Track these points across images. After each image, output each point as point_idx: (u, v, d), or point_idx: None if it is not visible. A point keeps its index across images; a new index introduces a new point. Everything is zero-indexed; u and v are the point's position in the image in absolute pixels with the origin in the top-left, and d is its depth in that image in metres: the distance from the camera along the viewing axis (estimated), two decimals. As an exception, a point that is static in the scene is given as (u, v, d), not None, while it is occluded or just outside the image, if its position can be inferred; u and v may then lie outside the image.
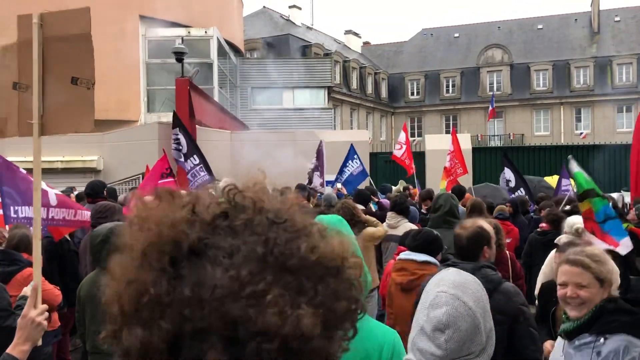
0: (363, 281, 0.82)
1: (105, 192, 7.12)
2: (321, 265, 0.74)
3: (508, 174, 11.03)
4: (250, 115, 26.40)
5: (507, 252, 5.27)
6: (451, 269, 1.97)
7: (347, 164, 11.95)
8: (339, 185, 11.45)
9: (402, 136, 12.41)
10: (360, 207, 7.77)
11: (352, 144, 11.97)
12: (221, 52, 22.49)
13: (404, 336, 1.94)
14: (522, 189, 10.48)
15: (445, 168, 11.21)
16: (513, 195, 10.41)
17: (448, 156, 11.25)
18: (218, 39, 21.24)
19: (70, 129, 2.85)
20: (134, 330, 0.71)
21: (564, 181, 10.47)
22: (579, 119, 38.34)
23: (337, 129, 32.90)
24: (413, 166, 12.21)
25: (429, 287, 1.84)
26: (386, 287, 5.30)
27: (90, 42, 2.76)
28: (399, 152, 12.39)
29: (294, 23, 38.93)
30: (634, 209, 7.40)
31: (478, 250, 3.13)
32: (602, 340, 2.22)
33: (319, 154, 11.20)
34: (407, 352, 1.85)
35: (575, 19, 42.44)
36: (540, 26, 43.01)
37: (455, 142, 11.24)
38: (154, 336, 0.70)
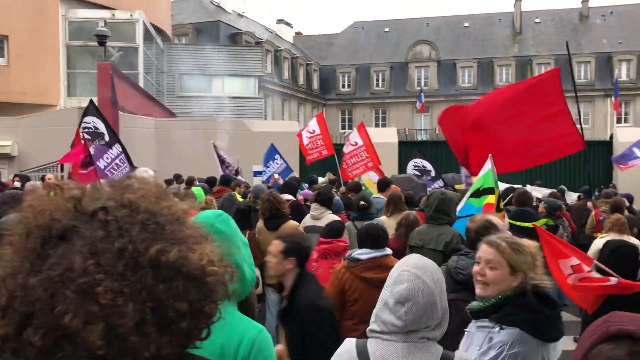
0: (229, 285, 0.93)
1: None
2: (171, 268, 0.82)
3: (427, 165, 11.36)
4: (178, 102, 25.77)
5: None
6: (415, 255, 2.16)
7: (268, 165, 11.76)
8: (276, 175, 11.35)
9: (356, 136, 11.96)
10: (288, 197, 7.78)
11: (272, 144, 11.80)
12: (147, 37, 21.77)
13: None
14: (440, 180, 10.82)
15: (343, 163, 11.32)
16: (434, 185, 10.74)
17: (350, 147, 11.26)
18: (144, 22, 20.52)
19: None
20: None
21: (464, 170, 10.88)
22: (500, 115, 40.06)
23: (268, 119, 32.71)
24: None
25: (393, 270, 2.05)
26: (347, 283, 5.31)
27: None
28: (306, 139, 12.18)
29: (224, 9, 38.22)
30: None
31: None
32: (497, 329, 2.34)
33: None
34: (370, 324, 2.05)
35: (499, 19, 44.15)
36: (466, 24, 44.44)
37: (365, 136, 11.30)
38: (8, 320, 0.76)
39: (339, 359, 2.09)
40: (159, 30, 24.37)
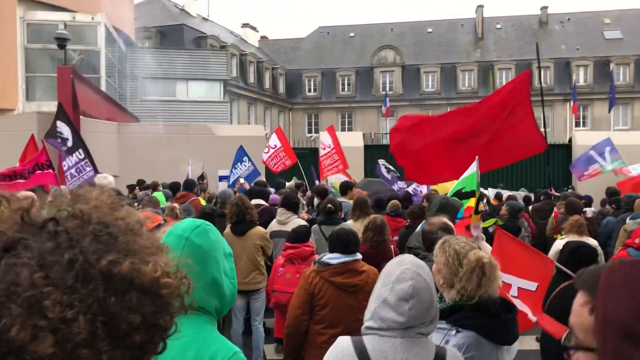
0: (184, 297, 0.91)
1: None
2: (123, 280, 0.80)
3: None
4: (141, 106, 25.37)
5: (392, 247, 5.46)
6: (409, 255, 2.19)
7: (236, 166, 11.75)
8: (242, 180, 11.26)
9: (328, 139, 11.80)
10: (260, 202, 7.74)
11: (241, 146, 11.78)
12: (110, 40, 21.39)
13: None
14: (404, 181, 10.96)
15: (321, 164, 11.51)
16: (402, 184, 10.89)
17: (324, 150, 11.48)
18: (106, 25, 20.16)
19: None
20: None
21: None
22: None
23: (234, 124, 32.50)
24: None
25: (391, 267, 2.06)
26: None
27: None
28: (265, 155, 12.36)
29: (188, 13, 37.89)
30: (505, 205, 7.95)
31: None
32: (454, 331, 2.39)
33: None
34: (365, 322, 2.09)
35: (462, 25, 44.95)
36: (430, 30, 45.10)
37: (334, 138, 11.53)
38: None
39: (335, 356, 2.10)
40: (121, 34, 23.98)
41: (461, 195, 5.26)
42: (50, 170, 7.60)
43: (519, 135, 6.78)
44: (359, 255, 4.10)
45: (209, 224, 1.90)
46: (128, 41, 25.84)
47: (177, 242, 1.77)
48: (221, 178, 14.67)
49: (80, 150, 8.15)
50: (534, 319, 3.81)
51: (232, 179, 11.53)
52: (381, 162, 11.98)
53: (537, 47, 7.95)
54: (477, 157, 5.35)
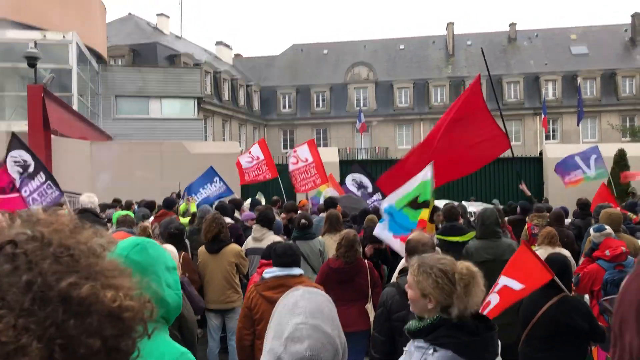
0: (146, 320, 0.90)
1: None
2: (83, 303, 0.79)
3: (365, 181, 11.44)
4: (114, 125, 25.10)
5: (366, 261, 5.47)
6: (301, 289, 1.82)
7: (205, 187, 11.49)
8: (195, 197, 10.95)
9: (306, 153, 11.76)
10: (228, 220, 7.70)
11: (211, 166, 11.59)
12: (81, 58, 21.21)
13: None
14: (379, 193, 10.85)
15: (292, 178, 11.51)
16: (374, 198, 10.86)
17: (301, 164, 11.46)
18: (77, 44, 19.99)
19: None
20: None
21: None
22: (437, 134, 41.19)
23: (209, 141, 32.34)
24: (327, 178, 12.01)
25: (282, 312, 1.72)
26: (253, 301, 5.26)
27: None
28: (247, 163, 12.22)
29: (161, 31, 37.79)
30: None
31: None
32: (431, 350, 2.33)
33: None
34: None
35: (433, 41, 45.68)
36: (402, 46, 45.72)
37: (315, 153, 11.53)
38: None
39: None
40: (93, 52, 23.79)
41: (416, 205, 5.31)
42: (16, 194, 7.35)
43: (482, 139, 6.84)
44: (296, 271, 4.04)
45: (150, 241, 2.06)
46: (100, 59, 25.64)
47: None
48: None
49: (41, 173, 7.96)
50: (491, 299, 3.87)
51: (199, 199, 11.25)
52: (351, 177, 11.79)
53: (484, 55, 8.08)
54: (431, 161, 5.39)
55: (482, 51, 8.47)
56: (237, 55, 48.22)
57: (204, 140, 29.81)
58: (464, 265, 2.42)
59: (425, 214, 5.22)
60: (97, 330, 0.79)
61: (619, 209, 8.31)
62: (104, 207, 10.80)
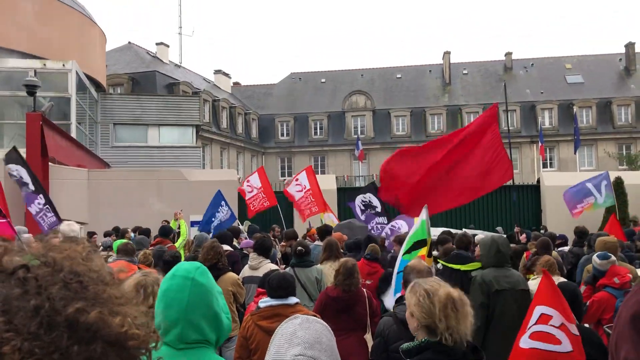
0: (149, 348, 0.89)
1: None
2: (89, 329, 0.79)
3: (374, 201, 11.13)
4: (112, 152, 25.15)
5: (365, 290, 5.41)
6: (299, 318, 1.84)
7: (219, 211, 11.54)
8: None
9: (305, 180, 11.79)
10: (226, 247, 7.65)
11: (219, 190, 11.66)
12: (80, 87, 21.35)
13: None
14: (384, 217, 10.65)
15: (295, 203, 11.55)
16: (380, 220, 10.54)
17: (300, 193, 11.54)
18: (77, 72, 20.15)
19: None
20: None
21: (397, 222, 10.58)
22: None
23: (207, 168, 32.38)
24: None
25: (279, 342, 1.74)
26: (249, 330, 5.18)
27: None
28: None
29: (161, 60, 38.16)
30: (478, 246, 7.97)
31: None
32: None
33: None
34: None
35: (430, 70, 46.19)
36: (399, 75, 46.21)
37: (312, 180, 11.59)
38: None
39: None
40: (92, 80, 23.96)
41: (415, 247, 5.32)
42: (3, 219, 7.29)
43: (490, 166, 6.83)
44: (292, 300, 4.00)
45: (203, 265, 2.17)
46: (99, 88, 25.82)
47: (184, 283, 2.00)
48: (193, 224, 14.49)
49: (41, 195, 7.97)
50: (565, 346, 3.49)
51: (215, 223, 11.25)
52: (361, 197, 11.61)
53: (505, 88, 8.17)
54: (425, 205, 5.41)
55: (505, 87, 8.51)
56: (236, 84, 48.65)
57: (202, 168, 29.84)
58: (447, 289, 2.46)
59: (423, 251, 5.22)
60: (100, 357, 0.79)
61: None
62: (107, 234, 10.73)
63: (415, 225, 5.55)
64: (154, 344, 0.91)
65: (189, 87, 34.97)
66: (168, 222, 11.61)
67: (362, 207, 11.31)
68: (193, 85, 36.09)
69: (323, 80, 46.86)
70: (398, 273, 5.22)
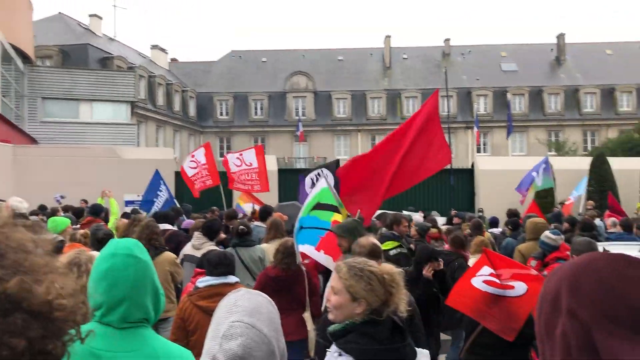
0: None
1: None
2: (9, 300, 0.72)
3: (330, 179, 11.03)
4: (41, 128, 23.94)
5: (304, 269, 5.37)
6: (242, 290, 1.84)
7: (159, 193, 11.16)
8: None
9: (252, 157, 11.45)
10: (167, 226, 7.44)
11: (157, 170, 11.28)
12: (5, 57, 20.10)
13: None
14: None
15: (234, 177, 11.24)
16: None
17: (244, 167, 11.24)
18: (1, 42, 18.94)
19: None
20: None
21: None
22: (373, 145, 41.64)
23: (142, 146, 31.42)
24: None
25: (220, 313, 1.74)
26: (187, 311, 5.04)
27: None
28: (191, 170, 11.90)
29: (93, 33, 36.48)
30: (414, 226, 8.13)
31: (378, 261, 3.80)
32: (337, 354, 2.29)
33: None
34: None
35: (371, 54, 46.48)
36: (340, 57, 46.26)
37: (261, 161, 11.33)
38: None
39: None
40: (18, 51, 22.61)
41: (320, 206, 5.40)
42: None
43: (432, 152, 6.96)
44: (232, 279, 3.94)
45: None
46: (26, 60, 24.42)
47: (127, 261, 1.97)
48: (127, 203, 14.02)
49: None
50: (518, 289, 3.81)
51: (159, 206, 10.86)
52: (313, 174, 11.45)
53: (446, 74, 8.28)
54: (333, 172, 5.62)
55: (446, 73, 8.59)
56: (173, 60, 47.29)
57: (137, 146, 28.93)
58: (387, 267, 2.43)
59: (337, 217, 5.32)
60: (22, 329, 0.72)
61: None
62: (32, 214, 10.20)
63: (315, 189, 5.66)
64: (82, 316, 0.83)
65: (123, 62, 33.66)
66: (86, 202, 11.18)
67: (315, 183, 11.20)
68: (128, 60, 34.77)
69: (264, 59, 46.28)
70: (306, 228, 5.28)
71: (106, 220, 9.17)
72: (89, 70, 27.93)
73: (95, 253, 3.70)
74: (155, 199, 11.07)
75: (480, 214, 13.97)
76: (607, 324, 0.96)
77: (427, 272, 5.05)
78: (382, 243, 6.25)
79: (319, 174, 10.56)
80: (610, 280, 0.99)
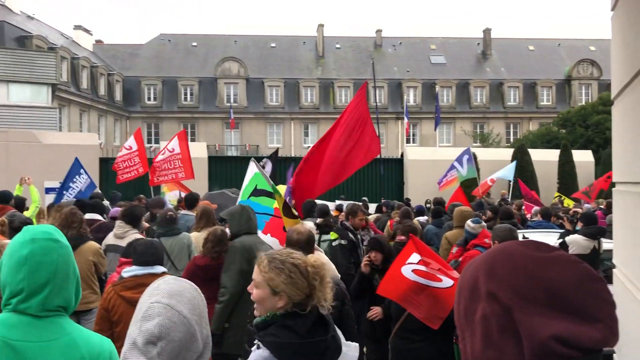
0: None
1: None
2: None
3: (269, 168, 10.91)
4: (-50, 109, 22.35)
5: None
6: (168, 277, 1.83)
7: (75, 180, 10.67)
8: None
9: (175, 144, 11.15)
10: (96, 216, 7.13)
11: (76, 158, 10.78)
12: None
13: None
14: None
15: (152, 167, 10.97)
16: None
17: (167, 154, 10.94)
18: None
19: None
20: None
21: None
22: (306, 134, 41.86)
23: (64, 131, 29.98)
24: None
25: (143, 298, 1.73)
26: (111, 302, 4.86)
27: None
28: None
29: (9, 9, 34.27)
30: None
31: (312, 250, 3.96)
32: (254, 347, 2.22)
33: None
34: None
35: (304, 42, 46.38)
36: (273, 44, 45.88)
37: (184, 147, 11.03)
38: None
39: None
40: None
41: (258, 193, 5.62)
42: None
43: (362, 144, 7.11)
44: (158, 269, 3.83)
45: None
46: None
47: (49, 245, 1.90)
48: (48, 190, 13.34)
49: None
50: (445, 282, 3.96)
51: (73, 194, 10.35)
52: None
53: (373, 66, 8.39)
54: (252, 158, 5.87)
55: (373, 65, 8.67)
56: (98, 42, 45.31)
57: (59, 131, 27.58)
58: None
59: (277, 203, 5.48)
60: None
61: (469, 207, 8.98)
62: None
63: (248, 174, 5.92)
64: None
65: (43, 42, 31.86)
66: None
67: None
68: (49, 40, 32.94)
69: (194, 43, 45.19)
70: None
71: (25, 208, 8.67)
72: (4, 49, 26.28)
73: (7, 241, 3.50)
74: (69, 188, 10.55)
75: (408, 202, 14.35)
76: (524, 303, 1.06)
77: (364, 263, 5.10)
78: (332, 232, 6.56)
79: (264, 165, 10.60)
80: (523, 263, 1.09)
